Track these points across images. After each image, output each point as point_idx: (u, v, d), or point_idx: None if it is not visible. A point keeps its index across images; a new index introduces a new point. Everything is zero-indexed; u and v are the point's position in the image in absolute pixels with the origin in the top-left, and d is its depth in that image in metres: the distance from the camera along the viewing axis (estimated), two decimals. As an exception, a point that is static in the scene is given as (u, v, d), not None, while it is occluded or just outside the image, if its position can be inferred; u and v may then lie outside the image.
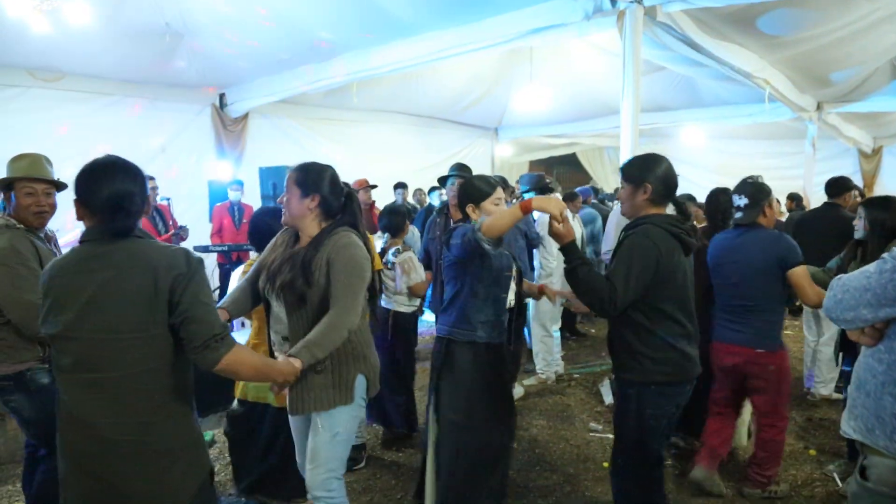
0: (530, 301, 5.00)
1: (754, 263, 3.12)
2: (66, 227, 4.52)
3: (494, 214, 2.64)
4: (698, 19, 4.77)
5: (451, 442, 2.79)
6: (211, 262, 6.75)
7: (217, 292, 6.49)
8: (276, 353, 2.36)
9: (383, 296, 4.02)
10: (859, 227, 3.28)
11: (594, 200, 8.66)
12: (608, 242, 5.77)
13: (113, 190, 1.75)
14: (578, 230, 6.49)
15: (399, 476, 3.67)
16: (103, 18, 4.81)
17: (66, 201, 2.70)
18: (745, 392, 3.38)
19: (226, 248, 6.33)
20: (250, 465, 3.27)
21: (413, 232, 5.46)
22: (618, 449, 2.73)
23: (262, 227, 2.96)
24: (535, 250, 4.96)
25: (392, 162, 9.03)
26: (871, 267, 1.70)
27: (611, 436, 2.90)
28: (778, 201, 7.05)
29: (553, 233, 2.48)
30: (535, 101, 7.73)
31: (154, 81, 6.60)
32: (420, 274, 3.94)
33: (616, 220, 5.51)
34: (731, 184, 3.87)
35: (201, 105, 7.29)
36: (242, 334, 4.03)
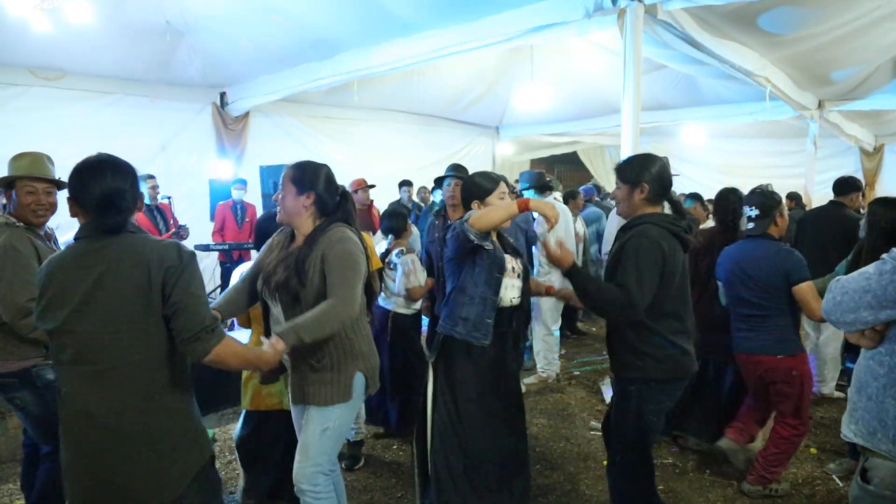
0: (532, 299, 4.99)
1: (763, 277, 3.15)
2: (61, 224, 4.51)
3: (487, 207, 2.65)
4: (699, 17, 4.77)
5: (441, 438, 2.77)
6: (212, 260, 6.77)
7: (218, 290, 6.50)
8: None
9: (382, 296, 4.02)
10: (864, 226, 3.30)
11: (597, 199, 8.68)
12: (609, 242, 5.77)
13: (104, 188, 1.78)
14: (581, 229, 6.50)
15: (399, 475, 3.67)
16: (104, 17, 4.82)
17: (64, 200, 2.72)
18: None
19: (226, 247, 6.34)
20: (269, 470, 3.14)
21: (416, 232, 5.45)
22: (616, 448, 2.74)
23: (270, 231, 2.94)
24: (534, 248, 4.97)
25: (393, 160, 9.03)
26: (870, 268, 1.68)
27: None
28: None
29: (552, 260, 2.50)
30: (536, 99, 7.72)
31: (155, 80, 6.62)
32: (420, 279, 3.93)
33: (616, 220, 5.50)
34: (732, 182, 3.89)
35: (202, 103, 7.30)
36: (238, 333, 4.02)
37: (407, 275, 3.89)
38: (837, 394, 4.72)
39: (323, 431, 2.31)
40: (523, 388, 4.98)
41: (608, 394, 4.86)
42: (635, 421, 2.57)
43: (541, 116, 9.72)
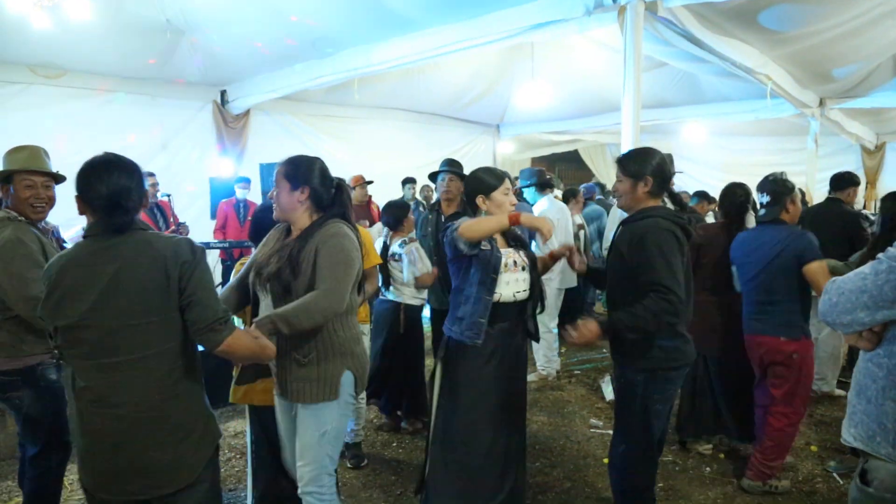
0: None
1: (773, 259, 3.18)
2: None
3: (475, 219, 2.65)
4: (699, 14, 4.75)
5: (442, 440, 2.77)
6: (213, 258, 6.76)
7: (220, 288, 6.49)
8: None
9: (391, 288, 4.01)
10: (878, 221, 3.32)
11: (599, 196, 8.67)
12: (611, 236, 5.77)
13: (110, 187, 1.83)
14: (583, 225, 6.50)
15: (399, 472, 3.67)
16: (104, 15, 4.80)
17: (64, 195, 2.71)
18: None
19: (227, 245, 6.34)
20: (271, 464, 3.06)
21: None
22: (618, 438, 2.74)
23: (265, 223, 2.93)
24: (533, 241, 4.96)
25: (394, 158, 9.01)
26: (866, 268, 1.65)
27: (611, 432, 2.89)
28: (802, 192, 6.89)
29: (584, 341, 2.43)
30: (536, 97, 7.70)
31: (155, 78, 6.60)
32: (427, 265, 3.91)
33: (618, 216, 5.50)
34: (733, 180, 3.88)
35: (202, 101, 7.28)
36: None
37: (413, 262, 3.88)
38: (839, 391, 4.71)
39: (322, 435, 2.29)
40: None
41: (608, 392, 4.85)
42: (641, 409, 2.58)
43: (542, 115, 9.70)
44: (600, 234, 7.16)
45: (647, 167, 2.56)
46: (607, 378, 5.13)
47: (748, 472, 3.39)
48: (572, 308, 6.30)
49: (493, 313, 2.66)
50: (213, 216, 6.92)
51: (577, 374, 5.48)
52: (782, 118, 8.65)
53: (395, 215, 4.04)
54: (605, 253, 6.40)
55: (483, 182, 2.76)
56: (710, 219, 5.98)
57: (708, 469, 3.67)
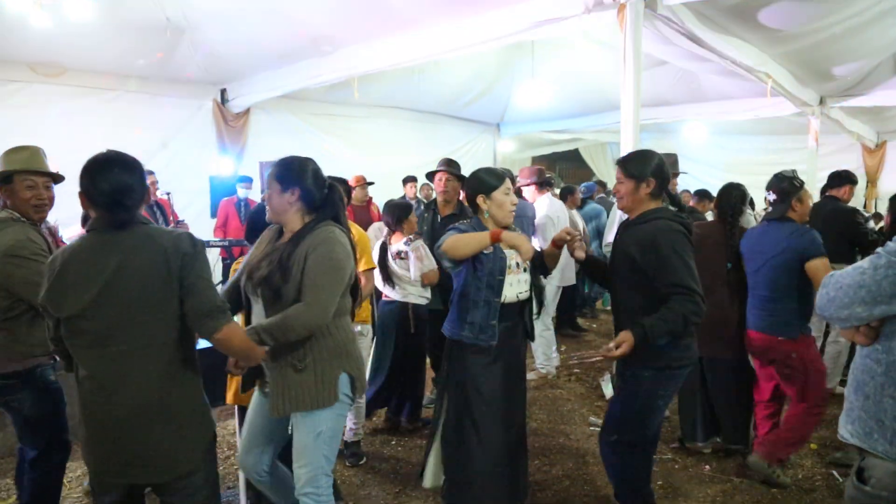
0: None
1: (775, 255, 3.21)
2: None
3: (459, 236, 2.66)
4: (699, 12, 4.75)
5: (452, 439, 2.80)
6: (213, 256, 6.77)
7: (220, 287, 6.50)
8: None
9: (397, 289, 3.99)
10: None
11: (601, 195, 8.67)
12: (612, 235, 5.77)
13: (113, 184, 1.88)
14: (580, 224, 6.50)
15: (397, 470, 3.68)
16: (104, 13, 4.81)
17: (64, 195, 2.71)
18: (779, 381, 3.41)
19: (226, 243, 6.35)
20: None
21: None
22: (611, 427, 2.77)
23: (260, 223, 2.92)
24: (533, 237, 4.98)
25: (394, 157, 9.01)
26: (864, 263, 1.64)
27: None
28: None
29: (623, 353, 2.39)
30: (537, 96, 7.71)
31: (155, 76, 6.60)
32: (432, 262, 3.89)
33: (620, 213, 5.50)
34: (733, 179, 3.88)
35: (202, 100, 7.29)
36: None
37: (420, 259, 3.87)
38: (840, 389, 4.71)
39: (317, 436, 2.27)
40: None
41: (608, 390, 4.83)
42: (644, 404, 2.62)
43: (542, 113, 9.71)
44: (599, 232, 7.16)
45: (649, 168, 2.58)
46: (607, 376, 5.09)
47: (759, 447, 3.39)
48: (570, 306, 6.32)
49: (499, 314, 2.72)
50: (213, 215, 6.92)
51: (576, 373, 5.47)
52: (782, 117, 8.64)
53: (396, 215, 4.00)
54: (604, 250, 6.44)
55: (484, 182, 2.78)
56: (709, 217, 5.98)
57: (707, 467, 3.67)
